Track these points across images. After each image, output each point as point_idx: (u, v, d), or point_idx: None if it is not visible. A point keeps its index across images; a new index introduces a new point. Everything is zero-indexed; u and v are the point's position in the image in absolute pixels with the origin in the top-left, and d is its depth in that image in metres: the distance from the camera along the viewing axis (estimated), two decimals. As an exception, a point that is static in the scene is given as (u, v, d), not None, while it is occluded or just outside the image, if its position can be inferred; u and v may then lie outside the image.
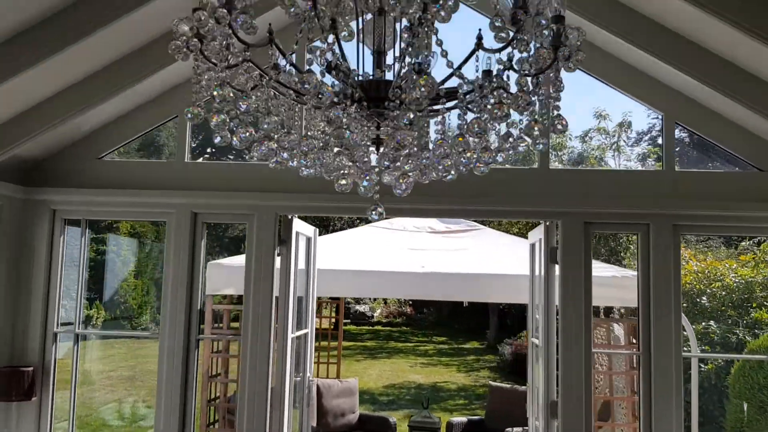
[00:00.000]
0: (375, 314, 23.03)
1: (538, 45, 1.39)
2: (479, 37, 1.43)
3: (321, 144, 1.62)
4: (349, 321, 20.76)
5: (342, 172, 1.62)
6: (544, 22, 1.38)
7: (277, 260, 4.19)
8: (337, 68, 1.58)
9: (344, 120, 1.55)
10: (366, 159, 1.58)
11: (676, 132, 4.15)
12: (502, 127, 1.48)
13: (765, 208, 3.94)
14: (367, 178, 1.57)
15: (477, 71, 1.43)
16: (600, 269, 5.25)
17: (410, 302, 22.41)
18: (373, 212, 1.58)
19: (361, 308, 22.83)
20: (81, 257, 4.38)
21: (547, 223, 4.16)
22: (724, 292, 7.69)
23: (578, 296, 4.02)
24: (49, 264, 4.27)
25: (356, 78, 1.61)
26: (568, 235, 4.06)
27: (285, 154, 1.66)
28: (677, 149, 4.21)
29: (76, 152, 4.34)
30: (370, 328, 21.44)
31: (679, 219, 4.01)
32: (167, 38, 3.69)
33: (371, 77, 1.63)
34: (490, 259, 6.08)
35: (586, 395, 3.95)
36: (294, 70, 1.65)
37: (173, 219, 4.22)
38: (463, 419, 6.94)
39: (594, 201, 4.05)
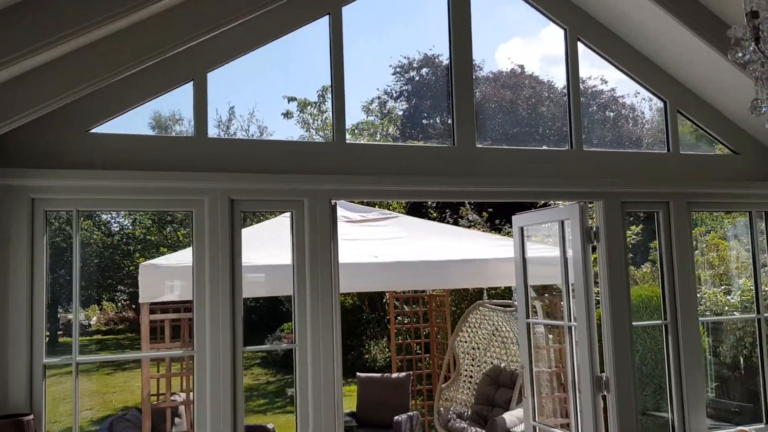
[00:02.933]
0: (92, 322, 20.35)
1: None
2: None
3: None
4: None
5: None
6: None
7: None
8: None
9: None
10: None
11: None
12: None
13: (747, 186, 4.52)
14: None
15: None
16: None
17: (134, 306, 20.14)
18: None
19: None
20: (74, 260, 3.28)
21: (581, 204, 4.25)
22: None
23: (620, 274, 4.19)
24: (31, 269, 3.13)
25: None
26: (609, 216, 4.20)
27: None
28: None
29: (55, 122, 3.25)
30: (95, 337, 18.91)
31: (690, 197, 4.40)
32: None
33: None
34: (441, 245, 6.00)
35: (632, 367, 4.14)
36: None
37: (204, 207, 3.39)
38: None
39: (627, 181, 4.25)
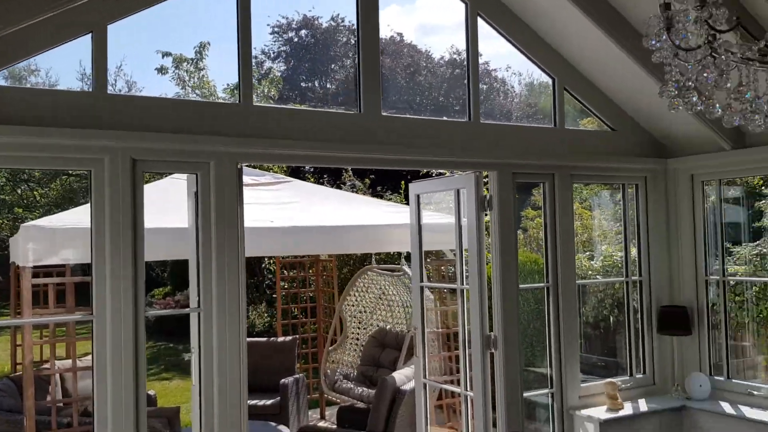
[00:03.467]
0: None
1: None
2: None
3: None
4: None
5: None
6: None
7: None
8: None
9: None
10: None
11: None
12: None
13: (622, 160, 4.95)
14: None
15: None
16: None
17: None
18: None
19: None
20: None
21: (477, 174, 4.46)
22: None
23: (510, 241, 4.46)
24: None
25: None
26: (502, 185, 4.44)
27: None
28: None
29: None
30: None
31: (572, 170, 4.75)
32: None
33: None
34: (335, 211, 6.05)
35: (518, 327, 4.46)
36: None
37: (104, 167, 3.21)
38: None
39: (518, 153, 4.51)
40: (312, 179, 12.30)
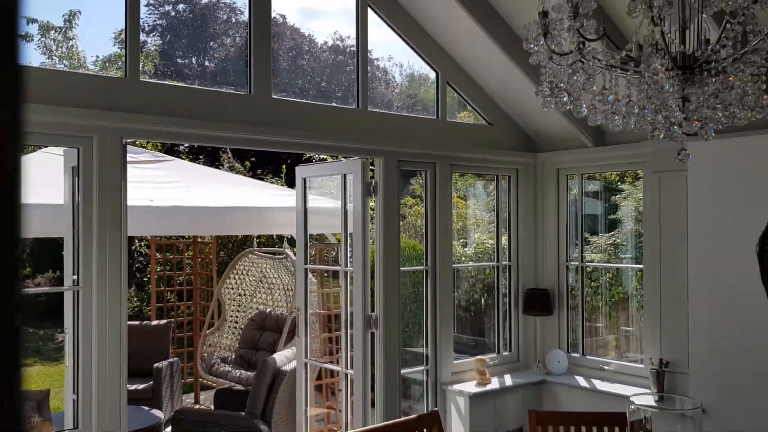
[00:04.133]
0: None
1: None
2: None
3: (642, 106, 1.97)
4: None
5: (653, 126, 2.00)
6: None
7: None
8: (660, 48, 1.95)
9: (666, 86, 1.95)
10: (676, 112, 2.00)
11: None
12: None
13: (497, 153, 5.28)
14: (676, 127, 2.00)
15: None
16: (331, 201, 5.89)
17: None
18: (683, 156, 2.03)
19: None
20: None
21: (363, 160, 4.61)
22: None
23: (393, 225, 4.65)
24: None
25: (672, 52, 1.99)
26: (387, 172, 4.61)
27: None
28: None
29: None
30: None
31: (452, 160, 5.01)
32: None
33: (682, 51, 2.03)
34: (218, 192, 5.97)
35: (398, 307, 4.67)
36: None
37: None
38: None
39: (403, 142, 4.70)
40: (187, 159, 11.94)
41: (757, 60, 1.96)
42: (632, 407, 2.28)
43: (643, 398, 2.61)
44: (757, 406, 3.94)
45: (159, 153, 6.69)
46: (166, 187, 5.92)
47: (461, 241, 9.35)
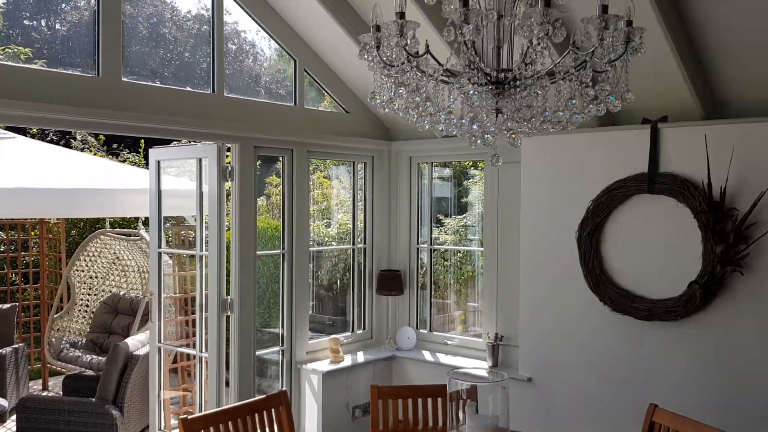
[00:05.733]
0: None
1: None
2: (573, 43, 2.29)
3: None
4: None
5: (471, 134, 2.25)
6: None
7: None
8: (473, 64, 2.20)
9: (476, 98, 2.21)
10: (488, 123, 2.26)
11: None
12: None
13: (353, 141, 5.48)
14: (488, 135, 2.27)
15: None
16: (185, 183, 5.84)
17: None
18: (495, 161, 2.31)
19: None
20: None
21: (219, 145, 4.63)
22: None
23: (249, 210, 4.73)
24: None
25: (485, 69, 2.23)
26: (243, 158, 4.66)
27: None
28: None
29: None
30: None
31: (309, 146, 5.15)
32: None
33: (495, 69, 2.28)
34: (67, 172, 5.71)
35: (254, 290, 4.77)
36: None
37: None
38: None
39: (260, 128, 4.76)
40: (35, 129, 11.16)
41: (556, 80, 2.26)
42: (451, 381, 2.57)
43: (478, 371, 2.95)
44: (576, 376, 4.47)
45: (2, 130, 6.25)
46: (8, 167, 5.59)
47: (325, 221, 9.56)
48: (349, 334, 5.68)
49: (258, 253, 4.84)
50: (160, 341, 5.25)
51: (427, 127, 2.34)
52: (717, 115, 4.08)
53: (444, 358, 5.37)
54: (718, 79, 3.96)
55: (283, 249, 5.08)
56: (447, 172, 6.66)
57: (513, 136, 2.33)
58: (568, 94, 2.27)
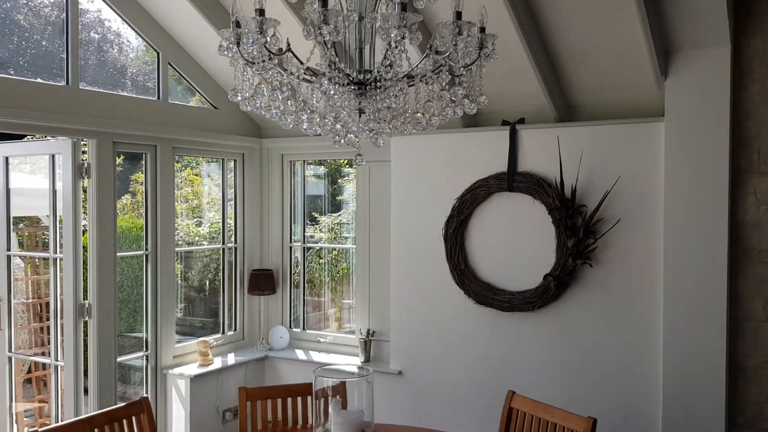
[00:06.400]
0: None
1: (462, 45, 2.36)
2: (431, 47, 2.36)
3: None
4: None
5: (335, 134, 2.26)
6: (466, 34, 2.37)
7: None
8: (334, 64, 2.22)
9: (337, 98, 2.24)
10: (351, 123, 2.28)
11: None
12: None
13: (222, 137, 5.35)
14: (351, 135, 2.29)
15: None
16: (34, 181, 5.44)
17: None
18: (359, 161, 2.33)
19: None
20: None
21: (74, 140, 4.35)
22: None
23: (108, 209, 4.48)
24: None
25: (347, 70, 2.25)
26: (101, 154, 4.41)
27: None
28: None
29: None
30: None
31: (175, 143, 4.96)
32: None
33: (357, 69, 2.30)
34: None
35: (115, 294, 4.52)
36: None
37: None
38: None
39: (121, 123, 4.52)
40: None
41: (415, 83, 2.33)
42: (317, 378, 2.58)
43: (348, 367, 2.97)
44: (444, 368, 4.63)
45: None
46: None
47: (196, 220, 9.25)
48: (219, 336, 5.54)
49: (119, 254, 4.60)
50: (10, 350, 4.86)
51: (291, 126, 2.33)
52: (569, 118, 4.37)
53: (317, 356, 5.37)
54: (570, 84, 4.24)
55: (147, 250, 4.86)
56: (321, 170, 6.65)
57: (376, 136, 2.37)
58: (426, 96, 2.34)
